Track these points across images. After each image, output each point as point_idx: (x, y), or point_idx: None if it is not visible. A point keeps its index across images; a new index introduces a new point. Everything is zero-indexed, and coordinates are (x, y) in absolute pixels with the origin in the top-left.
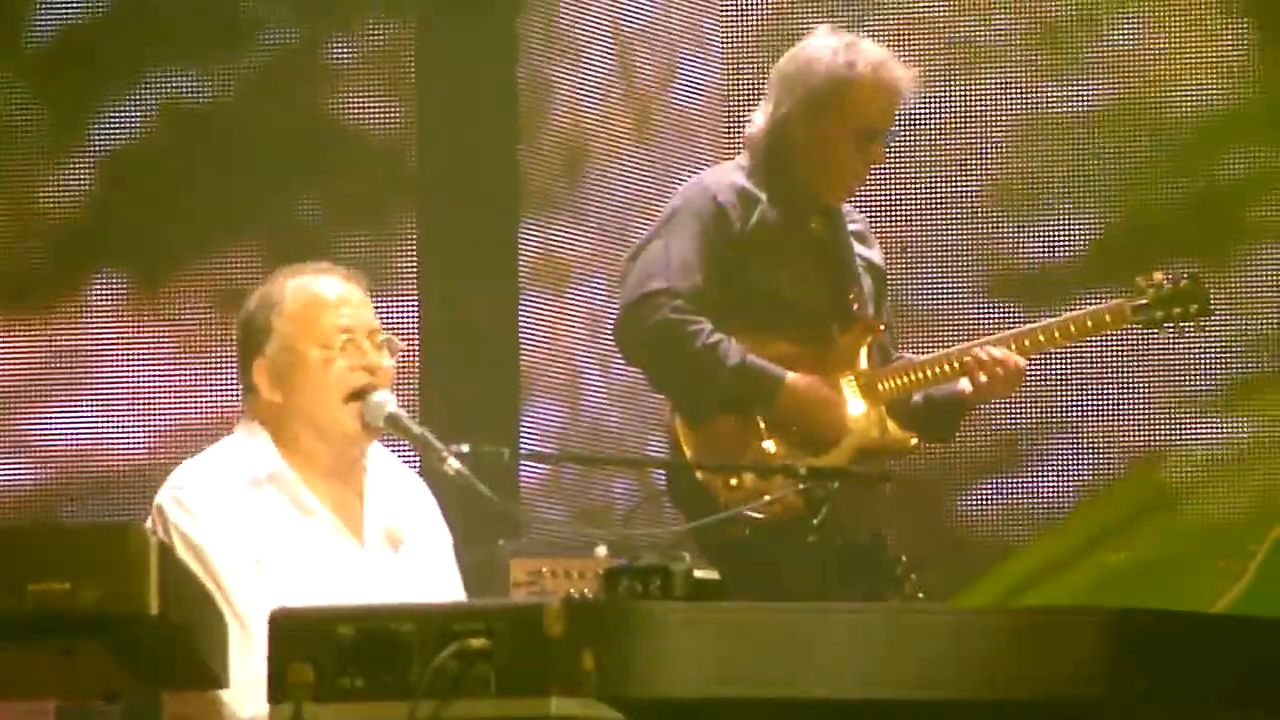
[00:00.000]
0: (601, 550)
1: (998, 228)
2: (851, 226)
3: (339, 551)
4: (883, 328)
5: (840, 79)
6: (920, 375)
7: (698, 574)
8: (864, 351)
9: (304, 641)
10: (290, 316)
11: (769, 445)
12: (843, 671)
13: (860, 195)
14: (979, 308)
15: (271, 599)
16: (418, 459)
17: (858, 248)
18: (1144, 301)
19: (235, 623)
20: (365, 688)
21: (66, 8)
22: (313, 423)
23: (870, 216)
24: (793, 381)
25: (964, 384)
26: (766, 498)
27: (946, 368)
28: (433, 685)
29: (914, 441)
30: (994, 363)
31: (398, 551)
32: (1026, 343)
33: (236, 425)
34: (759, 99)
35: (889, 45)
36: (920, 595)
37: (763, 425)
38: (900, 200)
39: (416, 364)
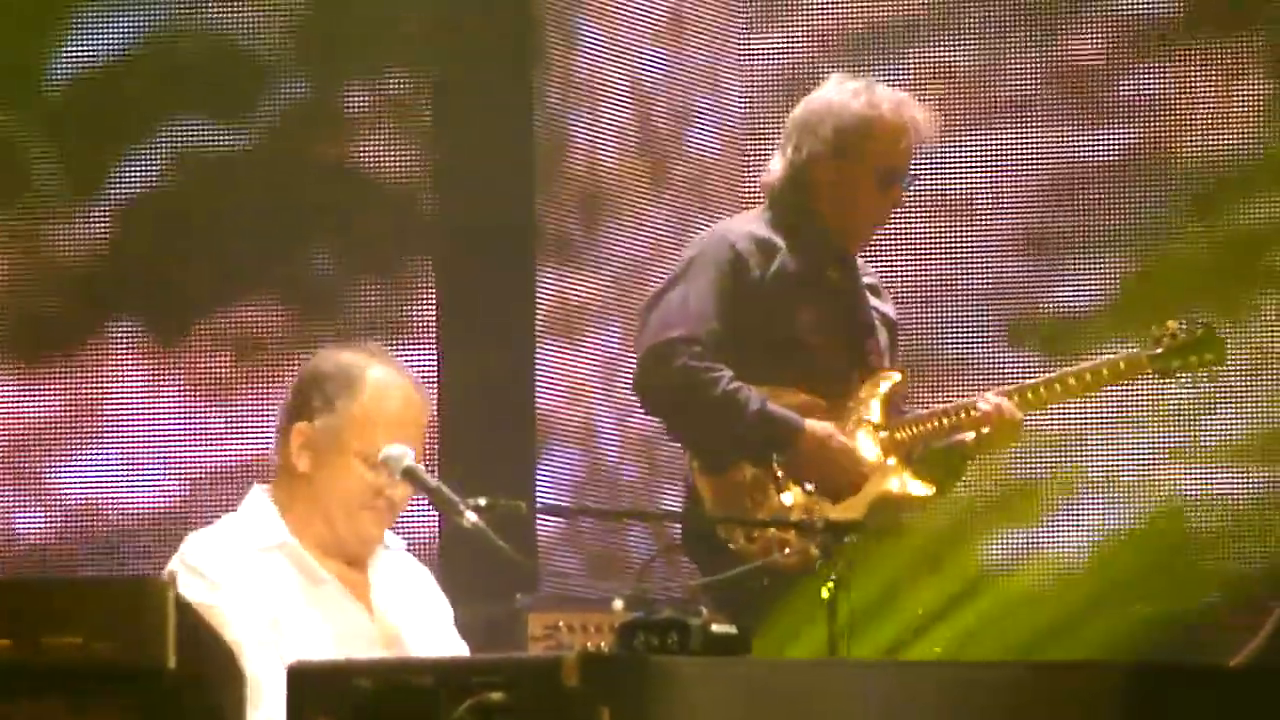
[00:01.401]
0: (618, 604)
1: (1017, 277)
2: (865, 280)
3: (350, 617)
4: (898, 378)
5: (863, 118)
6: (935, 425)
7: (715, 628)
8: (879, 402)
9: (323, 695)
10: (354, 415)
11: (787, 496)
12: None
13: (880, 244)
14: (999, 357)
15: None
16: (435, 513)
17: (872, 300)
18: (1159, 351)
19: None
20: None
21: (84, 57)
22: (326, 513)
23: (890, 266)
24: (811, 428)
25: (966, 434)
26: (786, 551)
27: (962, 415)
28: None
29: (932, 491)
30: (994, 412)
31: (401, 618)
32: (1044, 392)
33: (245, 497)
34: (775, 147)
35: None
36: (937, 650)
37: (780, 475)
38: (918, 249)
39: (434, 416)
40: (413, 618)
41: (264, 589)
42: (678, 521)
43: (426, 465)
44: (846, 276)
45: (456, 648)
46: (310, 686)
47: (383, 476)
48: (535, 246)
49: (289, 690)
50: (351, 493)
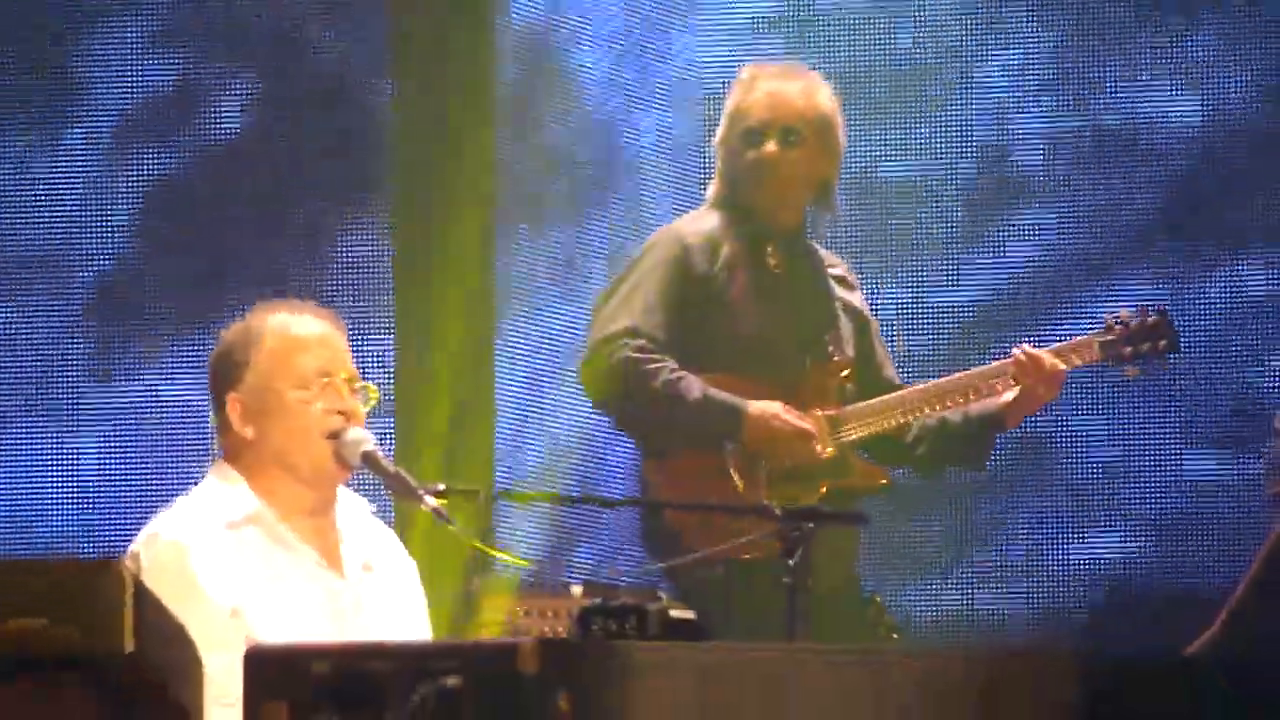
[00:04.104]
0: (577, 589)
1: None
2: (832, 271)
3: (323, 584)
4: (846, 373)
5: (731, 92)
6: (888, 418)
7: (673, 614)
8: (836, 390)
9: (278, 680)
10: (269, 353)
11: (738, 483)
12: (819, 713)
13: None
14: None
15: (259, 637)
16: (391, 498)
17: (838, 290)
18: (1111, 338)
19: None
20: None
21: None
22: (286, 462)
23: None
24: (757, 411)
25: (1006, 396)
26: (744, 539)
27: (936, 405)
28: None
29: (883, 480)
30: (1033, 364)
31: (375, 581)
32: (996, 384)
33: (209, 469)
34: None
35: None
36: (895, 636)
37: (730, 465)
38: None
39: (391, 400)
40: (381, 576)
41: (227, 573)
42: (637, 505)
43: (385, 450)
44: (798, 263)
45: (421, 603)
46: (266, 671)
47: (327, 394)
48: (494, 227)
49: (245, 675)
50: (304, 423)
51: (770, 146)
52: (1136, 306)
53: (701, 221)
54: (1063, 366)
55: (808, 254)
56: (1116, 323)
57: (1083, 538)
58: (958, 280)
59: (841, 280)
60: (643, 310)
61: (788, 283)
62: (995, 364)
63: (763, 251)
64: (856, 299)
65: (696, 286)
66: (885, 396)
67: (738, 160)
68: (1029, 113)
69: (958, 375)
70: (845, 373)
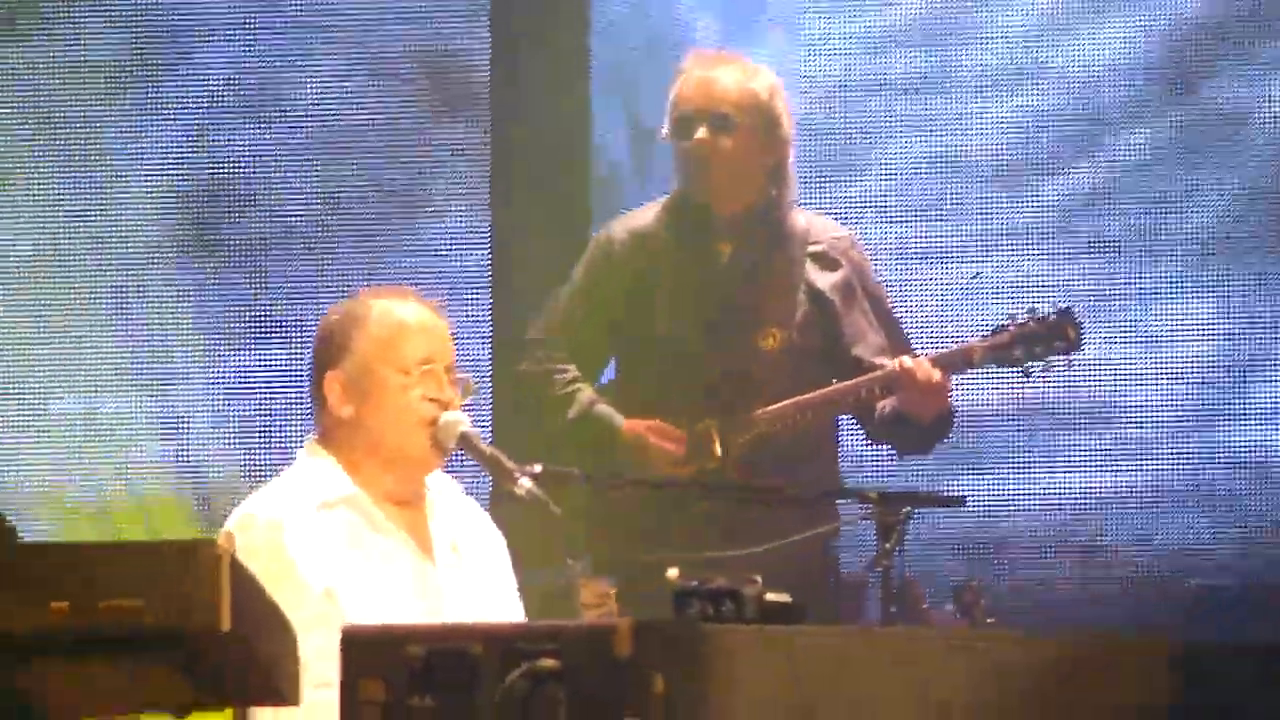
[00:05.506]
0: (673, 572)
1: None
2: (813, 249)
3: (414, 567)
4: (782, 361)
5: (673, 78)
6: (776, 423)
7: (770, 597)
8: (766, 383)
9: (374, 661)
10: (373, 336)
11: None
12: (912, 696)
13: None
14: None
15: (351, 619)
16: (489, 480)
17: (811, 273)
18: (1001, 341)
19: None
20: (435, 707)
21: None
22: (381, 445)
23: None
24: (628, 429)
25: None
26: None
27: (828, 410)
28: (503, 706)
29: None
30: (907, 375)
31: (464, 564)
32: (877, 390)
33: (300, 450)
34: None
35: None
36: (990, 621)
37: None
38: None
39: (489, 382)
40: (472, 560)
41: (321, 554)
42: (726, 492)
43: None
44: (751, 250)
45: (512, 585)
46: (362, 652)
47: (426, 382)
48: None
49: (342, 655)
50: (402, 408)
51: (700, 134)
52: (1033, 308)
53: (636, 218)
54: (937, 377)
55: (770, 239)
56: (1009, 324)
57: (1169, 520)
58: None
59: (820, 257)
60: (558, 316)
61: (735, 272)
62: (879, 373)
63: (707, 242)
64: (833, 278)
65: (614, 287)
66: (785, 402)
67: (675, 150)
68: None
69: (850, 382)
70: (778, 359)
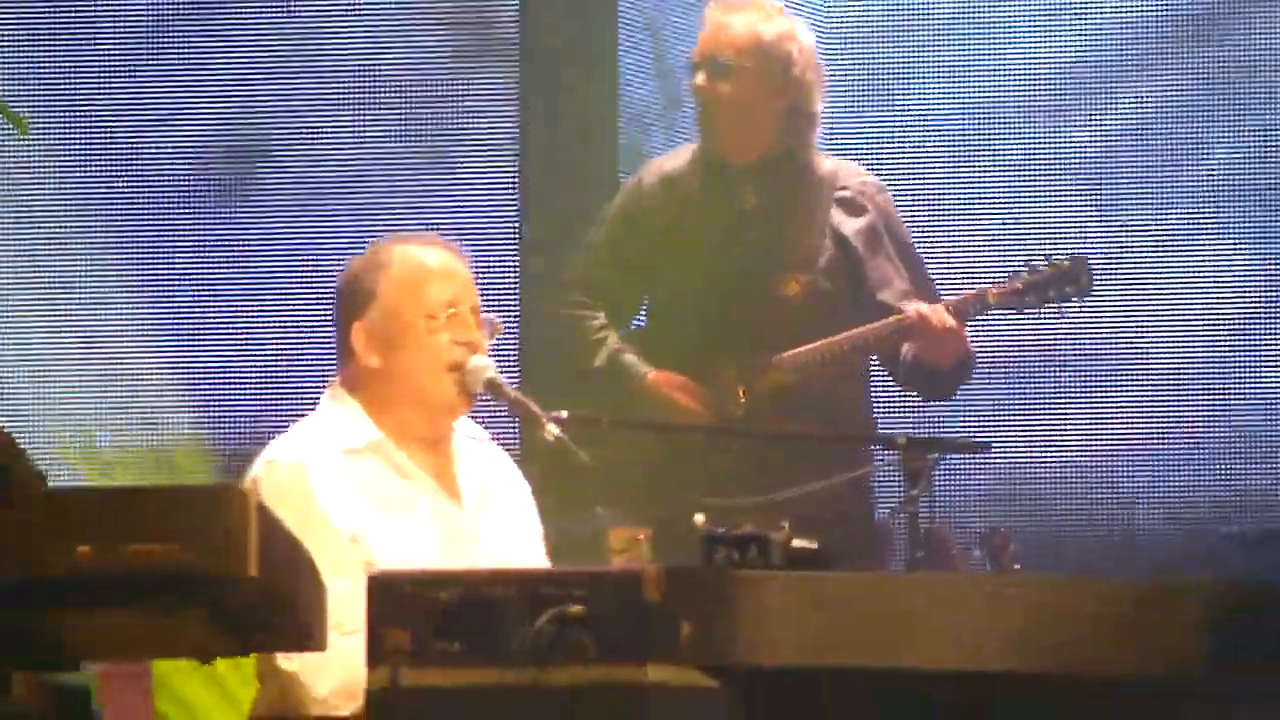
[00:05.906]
0: (700, 518)
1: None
2: (840, 194)
3: (441, 513)
4: (804, 305)
5: None
6: (804, 367)
7: (796, 543)
8: (789, 326)
9: (401, 606)
10: (397, 281)
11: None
12: (941, 642)
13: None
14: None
15: (377, 564)
16: (516, 425)
17: (837, 217)
18: (1018, 286)
19: None
20: (462, 652)
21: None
22: (411, 390)
23: None
24: (655, 379)
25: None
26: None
27: (851, 355)
28: (531, 650)
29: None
30: (922, 322)
31: (490, 509)
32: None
33: (324, 395)
34: None
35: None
36: (1018, 566)
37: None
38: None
39: (516, 328)
40: (497, 503)
41: (346, 499)
42: (756, 435)
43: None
44: (776, 195)
45: (536, 529)
46: (388, 597)
47: (453, 326)
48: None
49: (368, 601)
50: (430, 352)
51: (699, 79)
52: (1048, 255)
53: (667, 162)
54: (951, 322)
55: (794, 184)
56: (1024, 270)
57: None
58: None
59: (846, 202)
60: (590, 259)
61: (758, 218)
62: (892, 319)
63: (731, 190)
64: (858, 223)
65: (645, 232)
66: (806, 348)
67: (692, 95)
68: None
69: (864, 328)
70: (802, 305)
